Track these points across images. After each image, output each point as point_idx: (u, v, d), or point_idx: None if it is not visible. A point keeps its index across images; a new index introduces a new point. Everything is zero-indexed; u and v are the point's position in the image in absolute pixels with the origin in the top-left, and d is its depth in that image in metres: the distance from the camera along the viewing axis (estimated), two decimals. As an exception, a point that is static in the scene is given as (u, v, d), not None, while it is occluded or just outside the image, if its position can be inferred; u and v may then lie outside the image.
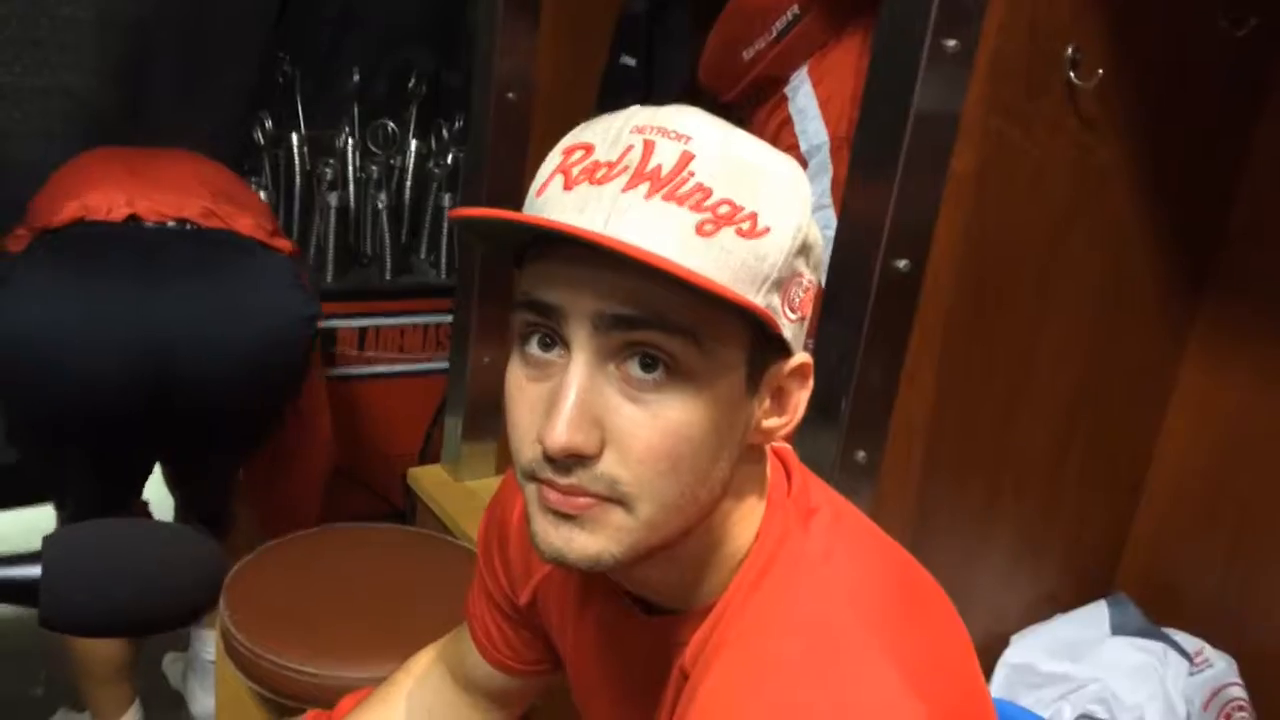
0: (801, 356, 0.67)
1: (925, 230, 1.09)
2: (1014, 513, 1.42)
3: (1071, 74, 1.12)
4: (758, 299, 0.61)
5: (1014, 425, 1.34)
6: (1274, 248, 1.39)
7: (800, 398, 0.68)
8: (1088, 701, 1.43)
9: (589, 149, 0.62)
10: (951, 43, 1.03)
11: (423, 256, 2.43)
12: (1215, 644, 1.50)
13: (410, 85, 2.44)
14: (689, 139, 0.61)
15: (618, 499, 0.62)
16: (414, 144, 2.40)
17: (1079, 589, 1.56)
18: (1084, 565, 1.57)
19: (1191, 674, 1.46)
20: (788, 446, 0.77)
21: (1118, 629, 1.54)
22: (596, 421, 0.61)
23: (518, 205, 0.66)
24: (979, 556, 1.42)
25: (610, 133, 0.63)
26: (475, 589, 0.97)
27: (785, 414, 0.68)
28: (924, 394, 1.20)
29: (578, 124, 0.66)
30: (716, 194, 0.60)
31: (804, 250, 0.64)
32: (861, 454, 1.17)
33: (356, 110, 2.40)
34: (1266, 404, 1.42)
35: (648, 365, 0.60)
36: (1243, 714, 1.45)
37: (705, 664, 0.67)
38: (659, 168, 0.60)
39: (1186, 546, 1.55)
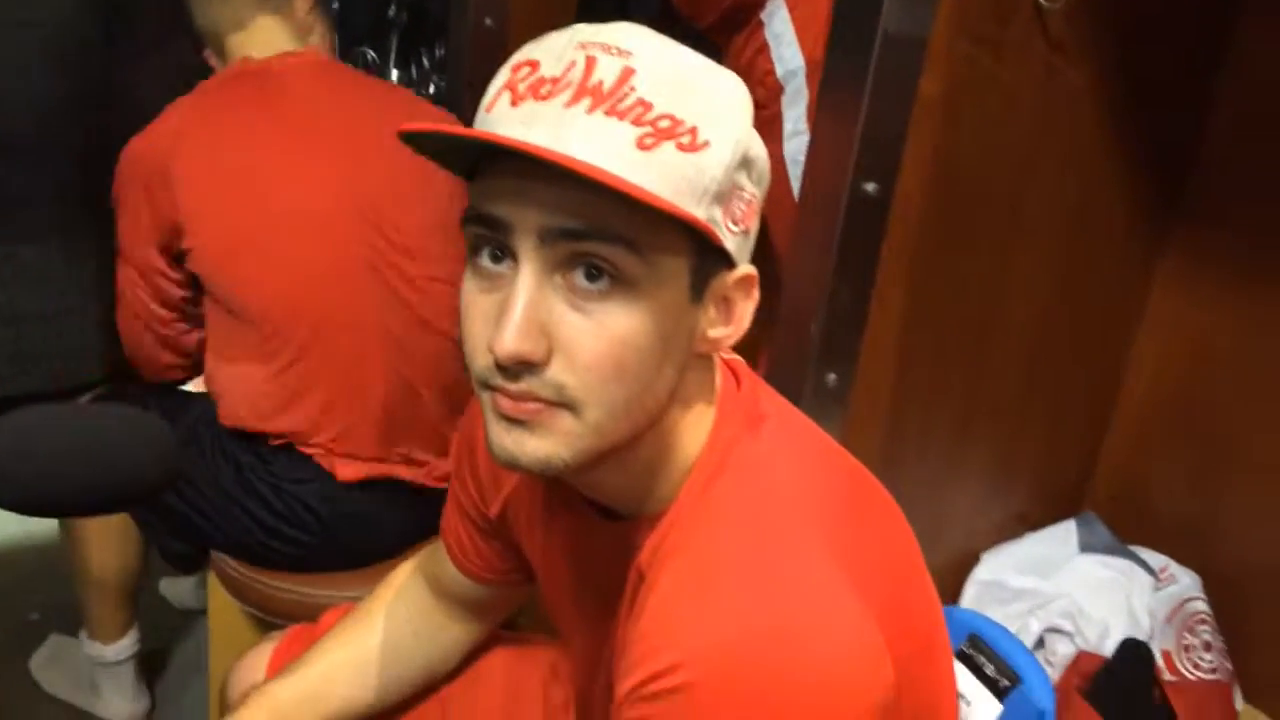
0: (746, 268, 0.69)
1: (893, 153, 1.10)
2: (986, 433, 1.45)
3: (1039, -4, 1.12)
4: (698, 211, 0.63)
5: (986, 347, 1.36)
6: (1245, 170, 1.40)
7: (745, 308, 0.70)
8: (1054, 616, 1.48)
9: (535, 65, 0.64)
10: (917, -34, 1.03)
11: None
12: (1181, 561, 1.54)
13: (390, 13, 2.42)
14: (630, 54, 0.63)
15: (566, 404, 0.64)
16: (395, 73, 2.39)
17: (1049, 508, 1.60)
18: (1054, 485, 1.60)
19: (1156, 589, 1.51)
20: (738, 357, 0.79)
21: (1085, 547, 1.58)
22: (544, 330, 0.63)
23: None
24: (951, 476, 1.45)
25: (555, 49, 0.64)
26: (449, 504, 1.00)
27: (731, 324, 0.70)
28: (894, 316, 1.22)
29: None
30: (657, 108, 0.62)
31: (745, 164, 0.66)
32: (832, 376, 1.20)
33: (336, 39, 2.38)
34: (1235, 325, 1.45)
35: (592, 275, 0.63)
36: (1204, 626, 1.49)
37: (659, 566, 0.70)
38: (600, 83, 0.62)
39: (1155, 466, 1.58)
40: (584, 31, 0.65)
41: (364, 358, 1.46)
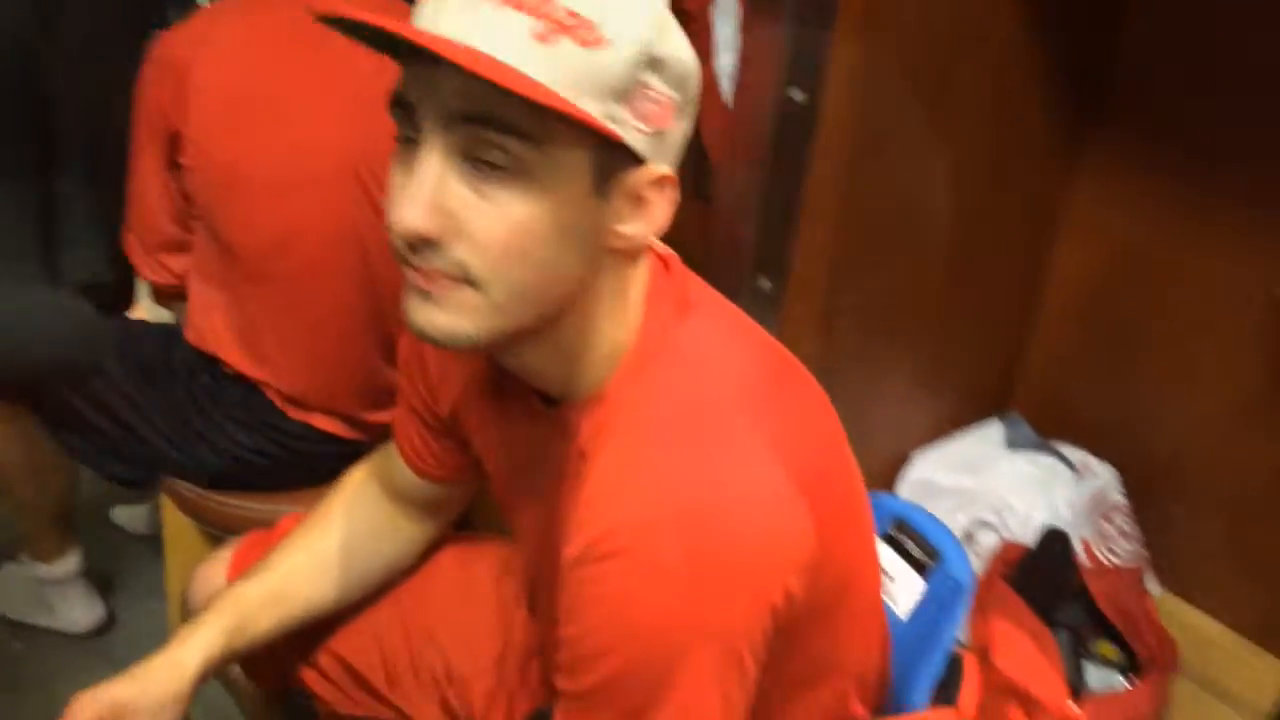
0: (662, 168, 0.71)
1: (819, 61, 1.14)
2: (915, 335, 1.51)
3: (956, -97, 1.15)
4: (595, 107, 0.65)
5: (913, 250, 1.41)
6: (1160, 74, 1.46)
7: (660, 207, 0.72)
8: (981, 510, 1.55)
9: None
10: (839, -126, 1.06)
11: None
12: (1100, 455, 1.62)
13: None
14: None
15: (469, 281, 0.68)
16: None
17: (977, 409, 1.67)
18: (982, 386, 1.67)
19: (1077, 483, 1.59)
20: (670, 251, 0.83)
21: (1011, 444, 1.65)
22: (446, 210, 0.66)
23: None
24: (883, 378, 1.51)
25: None
26: (400, 405, 1.03)
27: (643, 221, 0.72)
28: (826, 222, 1.26)
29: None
30: (560, 2, 0.64)
31: (653, 64, 0.68)
32: (766, 282, 1.24)
33: None
34: (1152, 225, 1.51)
35: (492, 163, 0.66)
36: (1121, 515, 1.58)
37: (598, 446, 0.74)
38: None
39: (1075, 364, 1.66)
40: None
41: (325, 320, 1.44)
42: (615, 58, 0.66)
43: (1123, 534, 1.57)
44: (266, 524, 1.44)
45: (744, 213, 1.20)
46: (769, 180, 1.18)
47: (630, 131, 0.68)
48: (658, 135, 0.70)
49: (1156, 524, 1.60)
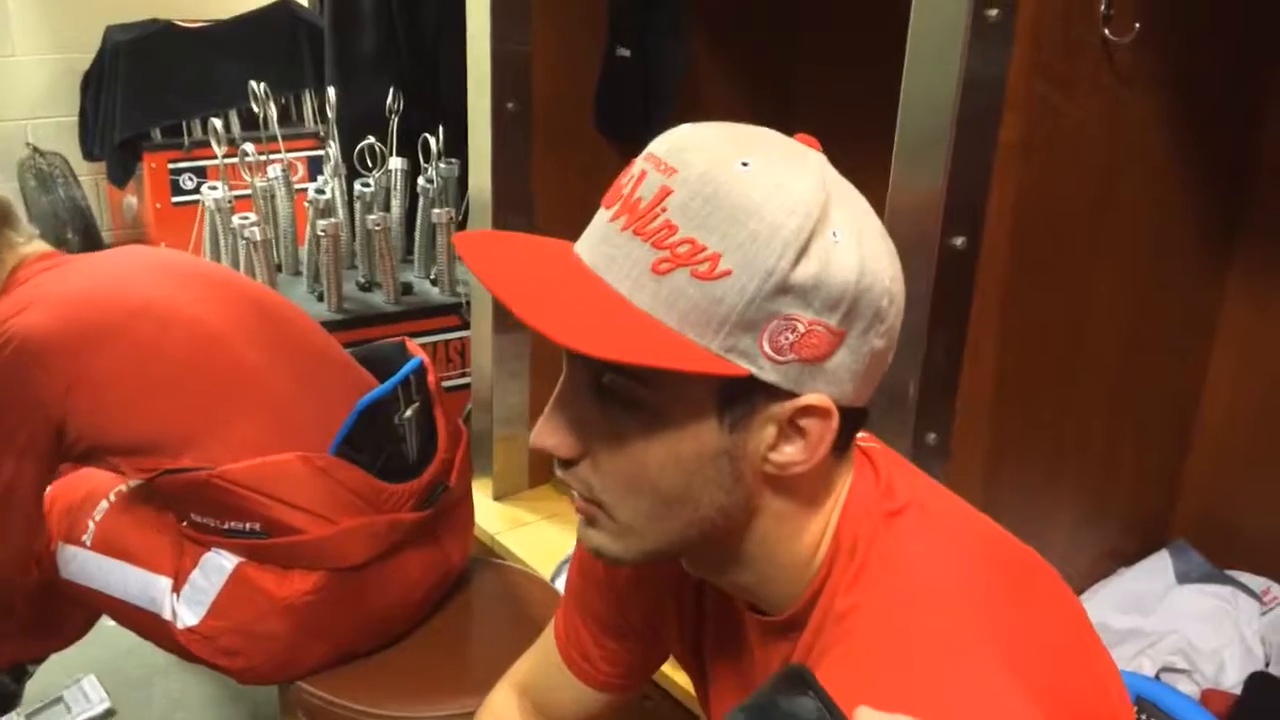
0: (813, 397, 0.65)
1: (979, 205, 1.08)
2: (1076, 472, 1.41)
3: (1106, 31, 1.10)
4: (713, 341, 0.62)
5: (1072, 386, 1.33)
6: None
7: (820, 434, 0.66)
8: (1166, 654, 1.43)
9: (627, 170, 0.66)
10: (993, 12, 1.01)
11: (429, 277, 2.38)
12: (1280, 580, 1.50)
13: (387, 101, 2.40)
14: (675, 172, 0.63)
15: (596, 503, 0.69)
16: (401, 161, 2.36)
17: (1140, 540, 1.56)
18: (1144, 516, 1.57)
19: (1264, 613, 1.46)
20: (875, 445, 0.76)
21: (1182, 577, 1.53)
22: (580, 429, 0.67)
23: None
24: (1046, 519, 1.41)
25: (640, 157, 0.66)
26: (568, 614, 0.96)
27: (801, 448, 0.66)
28: (986, 368, 1.18)
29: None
30: (681, 232, 0.62)
31: (789, 291, 0.62)
32: (932, 436, 1.16)
33: (335, 132, 2.37)
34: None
35: (612, 394, 0.65)
36: (1319, 647, 1.45)
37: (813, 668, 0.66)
38: (639, 200, 0.64)
39: (1242, 486, 1.54)
40: (659, 142, 0.66)
41: None
42: (734, 289, 0.61)
43: (1324, 667, 1.44)
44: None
45: (907, 366, 1.12)
46: (931, 331, 1.11)
47: (761, 363, 0.63)
48: (809, 364, 0.64)
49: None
